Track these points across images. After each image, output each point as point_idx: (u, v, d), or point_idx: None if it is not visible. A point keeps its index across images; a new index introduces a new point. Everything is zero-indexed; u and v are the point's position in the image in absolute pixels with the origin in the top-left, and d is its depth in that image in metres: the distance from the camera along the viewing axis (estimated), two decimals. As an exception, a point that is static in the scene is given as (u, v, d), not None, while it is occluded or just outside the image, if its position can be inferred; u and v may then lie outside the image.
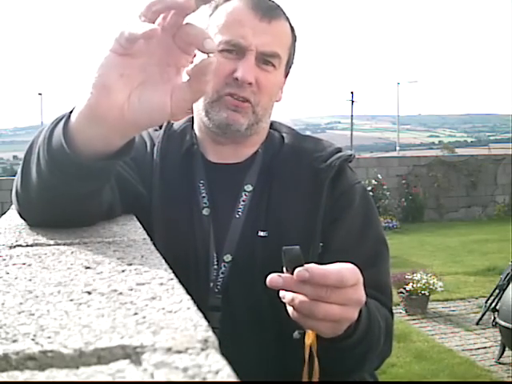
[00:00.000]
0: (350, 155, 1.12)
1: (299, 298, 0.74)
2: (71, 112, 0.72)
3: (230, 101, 1.05)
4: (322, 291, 0.73)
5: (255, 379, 0.99)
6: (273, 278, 0.73)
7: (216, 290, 1.04)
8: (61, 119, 0.75)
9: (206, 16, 1.09)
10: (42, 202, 0.80)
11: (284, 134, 1.18)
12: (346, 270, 0.74)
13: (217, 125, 1.07)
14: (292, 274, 0.72)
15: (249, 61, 1.03)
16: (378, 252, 1.09)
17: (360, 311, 0.83)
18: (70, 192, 0.77)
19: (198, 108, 1.11)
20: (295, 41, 1.13)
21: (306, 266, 0.72)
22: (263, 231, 1.05)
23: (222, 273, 1.04)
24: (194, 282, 1.00)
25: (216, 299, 1.03)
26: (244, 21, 1.04)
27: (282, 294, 0.77)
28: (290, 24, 1.11)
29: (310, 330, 0.80)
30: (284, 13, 1.09)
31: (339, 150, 1.13)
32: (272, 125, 1.20)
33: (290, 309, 0.78)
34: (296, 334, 0.85)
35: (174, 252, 0.90)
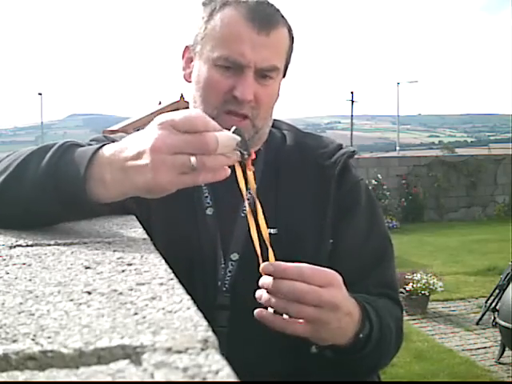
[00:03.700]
0: (354, 151, 1.14)
1: (274, 298, 0.81)
2: (94, 154, 0.78)
3: (230, 120, 1.04)
4: (295, 290, 0.79)
5: (263, 377, 0.99)
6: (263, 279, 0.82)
7: (224, 289, 1.04)
8: (64, 151, 0.81)
9: (203, 20, 1.06)
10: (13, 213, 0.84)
11: (285, 132, 1.19)
12: (308, 268, 0.80)
13: None
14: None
15: (248, 78, 1.01)
16: (384, 249, 1.12)
17: (370, 320, 0.91)
18: (48, 215, 0.83)
19: None
20: (293, 42, 1.10)
21: (273, 262, 0.82)
22: (273, 228, 1.04)
23: (230, 271, 1.04)
24: (200, 282, 1.01)
25: (224, 298, 1.04)
26: (242, 35, 1.01)
27: (257, 294, 0.83)
28: (288, 26, 1.08)
29: (290, 332, 0.84)
30: (282, 16, 1.07)
31: (341, 147, 1.15)
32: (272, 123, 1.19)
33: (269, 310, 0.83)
34: (313, 349, 0.92)
35: (177, 252, 0.90)
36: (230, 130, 1.04)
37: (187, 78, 1.12)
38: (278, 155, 1.13)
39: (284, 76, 1.14)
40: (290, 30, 1.09)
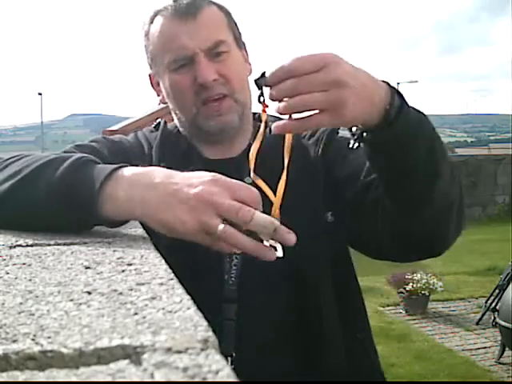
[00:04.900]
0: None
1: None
2: (112, 172, 0.78)
3: (210, 108, 1.07)
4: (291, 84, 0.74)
5: (271, 371, 1.00)
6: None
7: (231, 282, 1.04)
8: (83, 167, 0.81)
9: (144, 43, 1.13)
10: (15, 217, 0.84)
11: (270, 123, 1.20)
12: (295, 60, 0.75)
13: (210, 132, 1.11)
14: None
15: (201, 63, 1.05)
16: None
17: (402, 95, 0.84)
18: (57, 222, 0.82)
19: (183, 123, 1.14)
20: (229, 14, 1.13)
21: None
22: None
23: (235, 265, 1.05)
24: (205, 275, 1.01)
25: (231, 291, 1.04)
26: (174, 33, 1.06)
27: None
28: (217, 4, 1.12)
29: (313, 126, 0.82)
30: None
31: None
32: (256, 116, 1.21)
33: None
34: (352, 143, 0.90)
35: (182, 246, 0.91)
36: (215, 118, 1.06)
37: (163, 101, 1.17)
38: (265, 146, 1.14)
39: (244, 48, 1.16)
40: (219, 6, 1.13)
